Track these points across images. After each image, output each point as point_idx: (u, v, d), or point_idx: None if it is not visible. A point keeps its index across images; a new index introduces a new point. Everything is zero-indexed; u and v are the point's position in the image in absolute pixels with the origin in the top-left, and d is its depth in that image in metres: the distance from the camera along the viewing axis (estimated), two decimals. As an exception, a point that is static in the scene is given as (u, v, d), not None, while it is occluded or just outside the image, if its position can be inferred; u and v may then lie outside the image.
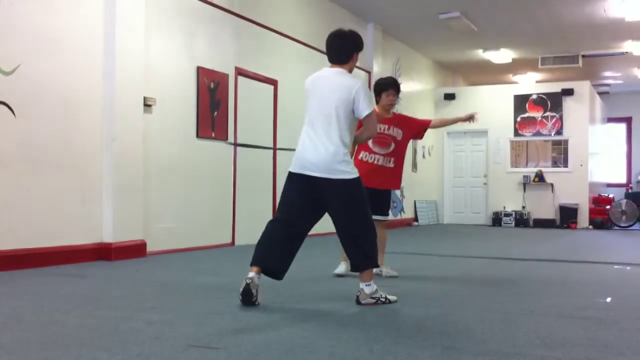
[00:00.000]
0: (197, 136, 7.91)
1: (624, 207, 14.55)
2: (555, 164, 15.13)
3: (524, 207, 15.14)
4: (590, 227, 14.56)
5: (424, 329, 3.45)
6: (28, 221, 5.83)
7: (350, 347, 2.98)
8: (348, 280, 5.13)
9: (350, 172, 4.10)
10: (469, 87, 17.57)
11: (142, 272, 5.75)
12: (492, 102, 15.63)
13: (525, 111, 15.34)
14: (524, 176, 15.19)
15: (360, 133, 4.35)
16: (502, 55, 14.93)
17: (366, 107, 4.13)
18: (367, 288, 4.13)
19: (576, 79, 15.67)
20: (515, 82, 17.44)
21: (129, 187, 6.76)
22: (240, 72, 8.69)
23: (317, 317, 3.74)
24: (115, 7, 6.60)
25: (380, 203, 5.48)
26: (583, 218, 14.69)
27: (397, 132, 5.59)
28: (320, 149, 4.06)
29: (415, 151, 14.56)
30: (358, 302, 4.12)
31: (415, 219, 14.86)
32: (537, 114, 15.23)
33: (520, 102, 15.39)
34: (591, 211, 14.83)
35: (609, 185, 18.58)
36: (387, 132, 5.53)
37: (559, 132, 15.04)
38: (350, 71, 4.27)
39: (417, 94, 15.12)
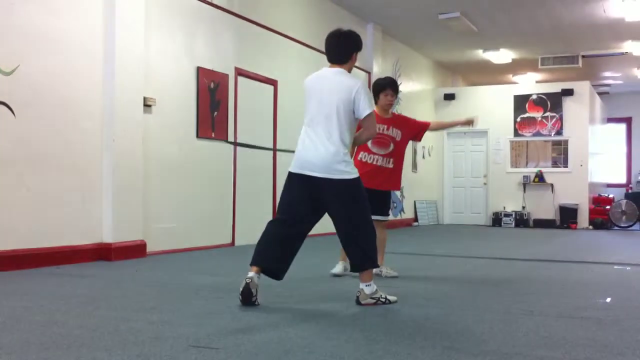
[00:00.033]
0: (197, 136, 7.91)
1: (623, 207, 14.56)
2: (555, 164, 15.14)
3: (523, 208, 15.15)
4: (590, 227, 14.56)
5: (423, 329, 3.45)
6: (28, 221, 5.83)
7: (350, 348, 2.98)
8: (348, 280, 5.13)
9: (350, 172, 4.10)
10: (468, 87, 17.57)
11: (142, 273, 5.76)
12: (492, 102, 15.65)
13: (525, 111, 15.34)
14: (524, 176, 15.20)
15: (360, 134, 4.35)
16: (502, 56, 14.94)
17: (366, 107, 4.13)
18: (367, 288, 4.13)
19: (576, 79, 15.68)
20: (515, 83, 17.44)
21: (129, 187, 6.76)
22: (240, 72, 8.69)
23: (317, 318, 3.74)
24: (115, 7, 6.60)
25: (380, 203, 5.48)
26: (583, 218, 14.70)
27: (396, 133, 5.59)
28: (321, 149, 4.06)
29: (415, 151, 14.56)
30: (358, 302, 4.12)
31: (415, 219, 14.86)
32: (537, 114, 15.23)
33: (520, 102, 15.39)
34: (591, 211, 14.84)
35: (609, 185, 18.58)
36: (386, 132, 5.52)
37: (558, 133, 15.04)
38: (349, 71, 4.27)
39: (417, 94, 15.12)
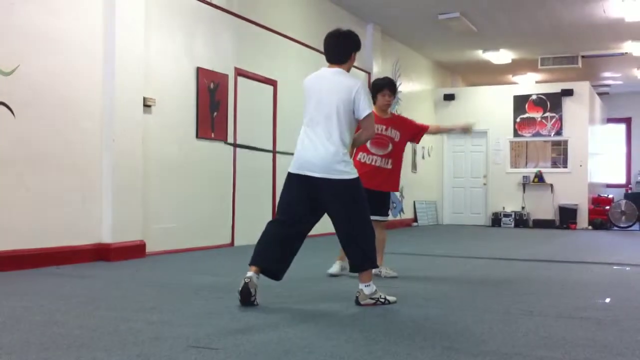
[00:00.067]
0: (197, 137, 7.91)
1: (623, 208, 14.56)
2: (554, 164, 15.14)
3: (523, 208, 15.15)
4: (590, 227, 14.57)
5: (423, 329, 3.45)
6: (27, 221, 5.83)
7: (349, 348, 2.98)
8: (347, 280, 5.13)
9: (349, 172, 4.10)
10: (468, 87, 17.58)
11: (141, 273, 5.76)
12: (492, 102, 15.66)
13: (524, 112, 15.35)
14: (524, 177, 15.20)
15: (359, 135, 4.34)
16: (502, 56, 14.94)
17: (366, 107, 4.14)
18: (367, 289, 4.13)
19: (576, 79, 15.69)
20: (515, 83, 17.45)
21: (129, 188, 6.76)
22: (239, 72, 8.69)
23: (316, 318, 3.74)
24: (115, 7, 6.60)
25: (379, 204, 5.47)
26: (582, 218, 14.70)
27: (395, 134, 5.59)
28: (320, 149, 4.06)
29: (414, 152, 14.56)
30: (357, 302, 4.12)
31: (415, 219, 14.86)
32: (537, 115, 15.24)
33: (520, 102, 15.40)
34: (590, 212, 14.84)
35: (609, 185, 18.59)
36: (385, 132, 5.52)
37: (558, 133, 15.05)
38: (348, 71, 4.27)
39: (417, 94, 15.13)
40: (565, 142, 15.02)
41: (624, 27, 12.25)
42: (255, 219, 8.50)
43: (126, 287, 4.95)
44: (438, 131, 6.71)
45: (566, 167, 14.98)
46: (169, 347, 2.93)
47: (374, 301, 4.11)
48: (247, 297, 3.95)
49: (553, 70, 15.58)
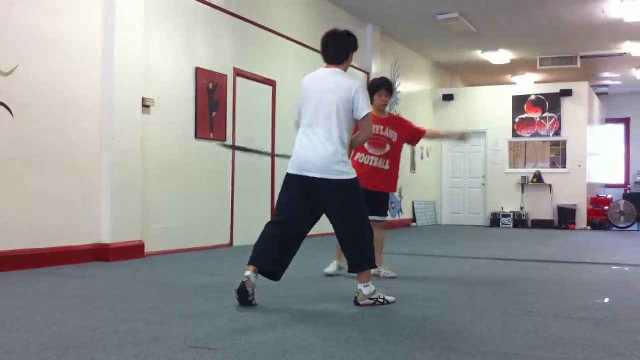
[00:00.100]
0: (196, 137, 7.91)
1: (622, 208, 14.57)
2: (553, 164, 15.14)
3: (522, 208, 15.16)
4: (589, 228, 14.57)
5: (422, 329, 3.45)
6: (26, 222, 5.83)
7: (348, 348, 2.99)
8: (346, 280, 5.13)
9: (348, 172, 4.10)
10: (467, 88, 17.58)
11: (140, 273, 5.76)
12: (491, 103, 15.66)
13: (523, 112, 15.35)
14: (523, 177, 15.20)
15: (357, 136, 4.34)
16: (501, 56, 14.94)
17: (365, 107, 4.14)
18: (366, 289, 4.13)
19: (575, 79, 15.69)
20: (514, 83, 17.45)
21: (128, 188, 6.76)
22: (238, 72, 8.69)
23: (315, 318, 3.74)
24: (114, 7, 6.60)
25: (377, 204, 5.47)
26: (581, 219, 14.71)
27: (393, 134, 5.59)
28: (320, 149, 4.07)
29: (413, 152, 14.56)
30: (356, 303, 4.13)
31: (414, 219, 14.86)
32: (536, 115, 15.24)
33: (519, 103, 15.40)
34: (589, 212, 14.85)
35: (608, 186, 18.60)
36: (383, 133, 5.52)
37: (557, 133, 15.05)
38: (345, 71, 4.28)
39: (416, 94, 15.13)
40: (564, 142, 15.02)
41: (623, 27, 12.26)
42: (254, 219, 8.50)
43: (125, 287, 4.95)
44: (435, 136, 6.71)
45: (565, 167, 14.99)
46: (168, 347, 2.94)
47: (373, 301, 4.12)
48: (244, 297, 3.95)
49: (552, 70, 15.59)
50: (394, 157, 5.65)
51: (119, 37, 6.65)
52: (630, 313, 4.09)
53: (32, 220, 5.88)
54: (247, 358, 2.79)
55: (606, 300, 4.60)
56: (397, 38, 13.70)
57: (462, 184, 15.99)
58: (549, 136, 15.13)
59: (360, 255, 4.14)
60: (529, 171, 15.24)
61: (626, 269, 6.83)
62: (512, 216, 15.01)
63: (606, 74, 17.11)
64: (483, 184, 15.68)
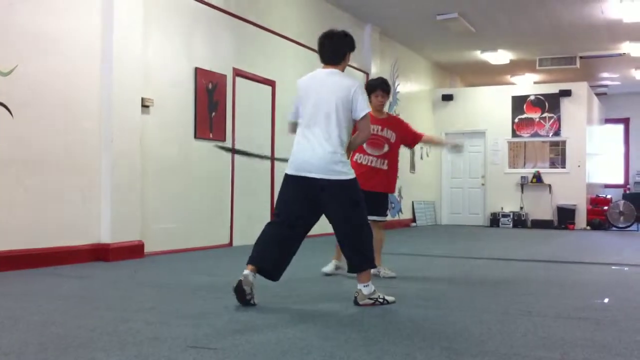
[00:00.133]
0: (195, 137, 7.90)
1: (621, 208, 14.57)
2: (553, 164, 15.14)
3: (521, 208, 15.16)
4: (588, 228, 14.57)
5: (422, 329, 3.45)
6: (26, 221, 5.83)
7: (348, 348, 2.98)
8: (346, 281, 5.13)
9: (347, 172, 4.10)
10: (467, 88, 17.58)
11: (140, 273, 5.75)
12: (490, 103, 15.66)
13: (523, 112, 15.35)
14: (522, 177, 15.20)
15: (355, 138, 4.33)
16: (500, 57, 14.94)
17: (364, 107, 4.14)
18: (365, 289, 4.13)
19: (574, 80, 15.69)
20: (513, 83, 17.45)
21: (127, 188, 6.76)
22: (238, 73, 8.69)
23: (315, 318, 3.74)
24: (113, 7, 6.60)
25: (376, 204, 5.46)
26: (581, 219, 14.71)
27: (391, 134, 5.59)
28: (318, 149, 4.06)
29: (413, 152, 14.55)
30: (356, 303, 4.12)
31: (414, 219, 14.86)
32: (535, 115, 15.24)
33: (518, 103, 15.40)
34: (589, 212, 14.85)
35: (607, 186, 18.60)
36: (381, 133, 5.53)
37: (556, 133, 15.05)
38: (342, 71, 4.28)
39: (415, 95, 15.13)
40: (564, 142, 15.02)
41: (622, 27, 12.26)
42: (253, 219, 8.50)
43: (125, 287, 4.94)
44: (430, 142, 6.71)
45: (564, 167, 14.98)
46: (168, 347, 2.93)
47: (372, 301, 4.11)
48: (242, 295, 3.95)
49: (551, 70, 15.59)
50: (392, 157, 5.65)
51: (118, 37, 6.64)
52: (630, 313, 4.09)
53: (31, 220, 5.87)
54: (247, 358, 2.79)
55: (606, 300, 4.60)
56: (396, 38, 13.70)
57: (462, 184, 15.99)
58: (548, 136, 15.13)
59: (359, 255, 4.14)
60: (529, 171, 15.24)
61: (626, 269, 6.83)
62: (511, 216, 15.01)
63: (605, 74, 17.11)
64: (482, 184, 15.68)
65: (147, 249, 6.99)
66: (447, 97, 16.12)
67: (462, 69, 17.07)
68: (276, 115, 9.42)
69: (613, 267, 6.92)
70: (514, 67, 16.18)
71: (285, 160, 4.26)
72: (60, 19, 6.18)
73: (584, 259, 7.70)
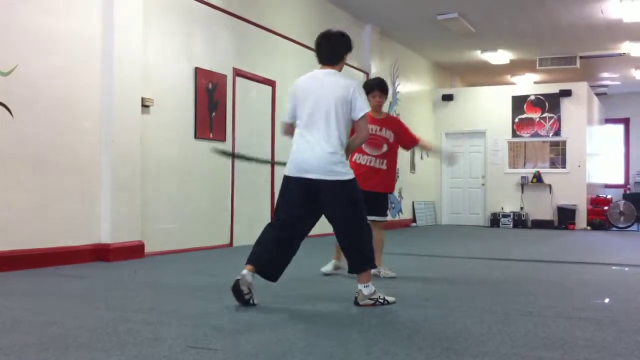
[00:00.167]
0: (195, 137, 7.90)
1: (621, 208, 14.57)
2: (553, 165, 15.14)
3: (522, 208, 15.15)
4: (588, 228, 14.57)
5: (422, 330, 3.45)
6: (26, 222, 5.83)
7: (348, 348, 2.99)
8: (346, 281, 5.13)
9: (346, 173, 4.10)
10: (467, 88, 17.58)
11: (140, 273, 5.75)
12: (490, 103, 15.66)
13: (523, 112, 15.35)
14: (522, 177, 15.20)
15: (354, 139, 4.30)
16: (500, 57, 14.94)
17: (362, 107, 4.14)
18: (366, 289, 4.13)
19: (574, 80, 15.69)
20: (513, 83, 17.45)
21: (127, 188, 6.76)
22: (238, 73, 8.69)
23: (315, 318, 3.74)
24: (113, 7, 6.60)
25: (376, 204, 5.46)
26: (581, 219, 14.70)
27: (389, 134, 5.59)
28: (317, 149, 4.06)
29: (413, 152, 14.54)
30: (356, 303, 4.12)
31: (414, 219, 14.86)
32: (535, 115, 15.24)
33: (518, 103, 15.40)
34: (589, 212, 14.84)
35: (607, 186, 18.60)
36: (379, 133, 5.53)
37: (557, 133, 15.05)
38: (339, 71, 4.28)
39: (415, 95, 15.13)
40: (564, 142, 15.02)
41: (622, 27, 12.26)
42: (254, 219, 8.51)
43: (125, 287, 4.94)
44: (426, 148, 6.71)
45: (564, 167, 14.98)
46: (168, 347, 2.93)
47: (373, 302, 4.11)
48: (239, 295, 3.95)
49: (551, 70, 15.58)
50: (392, 157, 5.66)
51: (118, 37, 6.64)
52: (631, 313, 4.09)
53: (32, 220, 5.87)
54: (247, 358, 2.79)
55: (606, 300, 4.60)
56: (396, 38, 13.70)
57: (462, 184, 15.99)
58: (548, 136, 15.13)
59: (360, 256, 4.14)
60: (529, 171, 15.24)
61: (626, 269, 6.83)
62: (511, 216, 15.01)
63: (605, 74, 17.11)
64: (483, 184, 15.68)
65: (148, 249, 6.99)
66: (447, 97, 16.12)
67: (462, 69, 17.07)
68: (276, 115, 9.41)
69: (613, 268, 6.92)
70: (514, 67, 16.18)
71: (285, 164, 4.25)
72: (60, 19, 6.18)
73: (584, 259, 7.69)
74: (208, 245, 8.03)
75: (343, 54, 4.29)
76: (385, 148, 5.56)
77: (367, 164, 5.52)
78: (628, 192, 17.49)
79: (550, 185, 14.94)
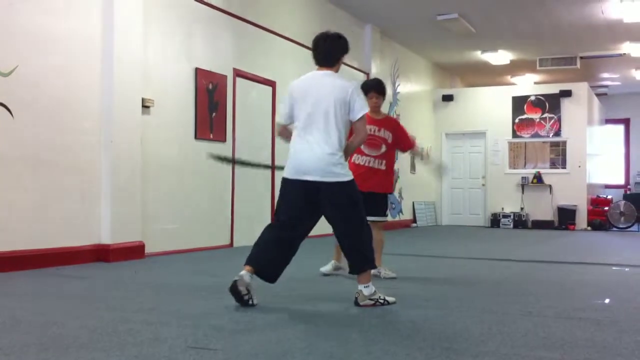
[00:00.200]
0: (196, 137, 7.90)
1: (622, 209, 14.56)
2: (553, 165, 15.14)
3: (522, 209, 15.15)
4: (589, 228, 14.57)
5: (422, 330, 3.45)
6: (26, 222, 5.83)
7: (348, 348, 2.99)
8: (346, 281, 5.13)
9: (345, 174, 4.10)
10: (467, 88, 17.58)
11: (140, 274, 5.75)
12: (491, 103, 15.66)
13: (523, 112, 15.35)
14: (523, 177, 15.20)
15: (352, 140, 4.30)
16: (500, 57, 14.94)
17: (361, 108, 4.14)
18: (366, 290, 4.13)
19: (574, 80, 15.69)
20: (514, 84, 17.44)
21: (127, 188, 6.76)
22: (238, 73, 8.69)
23: (315, 318, 3.74)
24: (113, 8, 6.60)
25: (376, 204, 5.46)
26: (581, 219, 14.70)
27: (388, 135, 5.59)
28: (317, 150, 4.06)
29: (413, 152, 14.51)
30: (356, 303, 4.12)
31: (414, 220, 14.86)
32: (536, 116, 15.24)
33: (519, 103, 15.40)
34: (589, 212, 14.84)
35: (607, 186, 18.59)
36: (377, 133, 5.53)
37: (557, 134, 15.05)
38: (336, 72, 4.29)
39: (416, 95, 15.13)
40: (564, 143, 15.02)
41: (622, 28, 12.26)
42: (254, 220, 8.50)
43: (125, 287, 4.94)
44: (418, 154, 6.72)
45: (565, 168, 14.98)
46: (168, 347, 2.93)
47: (373, 302, 4.11)
48: (237, 296, 3.94)
49: (551, 71, 15.58)
50: (390, 158, 5.66)
51: (118, 37, 6.65)
52: (631, 313, 4.09)
53: (32, 220, 5.87)
54: (247, 358, 2.79)
55: (606, 300, 4.60)
56: (396, 38, 13.70)
57: (462, 185, 15.98)
58: (548, 137, 15.13)
59: (360, 256, 4.14)
60: (529, 172, 15.23)
61: (626, 269, 6.82)
62: (512, 217, 15.00)
63: (606, 75, 17.11)
64: (483, 185, 15.68)
65: (148, 249, 6.99)
66: (448, 98, 16.12)
67: (463, 70, 17.08)
68: (276, 115, 9.42)
69: (614, 268, 6.91)
70: (514, 68, 16.18)
71: (282, 167, 4.26)
72: (60, 19, 6.18)
73: (584, 259, 7.69)
74: (208, 246, 8.03)
75: (339, 56, 4.30)
76: (384, 148, 5.56)
77: (366, 164, 5.53)
78: (628, 192, 17.49)
79: (550, 186, 14.94)
